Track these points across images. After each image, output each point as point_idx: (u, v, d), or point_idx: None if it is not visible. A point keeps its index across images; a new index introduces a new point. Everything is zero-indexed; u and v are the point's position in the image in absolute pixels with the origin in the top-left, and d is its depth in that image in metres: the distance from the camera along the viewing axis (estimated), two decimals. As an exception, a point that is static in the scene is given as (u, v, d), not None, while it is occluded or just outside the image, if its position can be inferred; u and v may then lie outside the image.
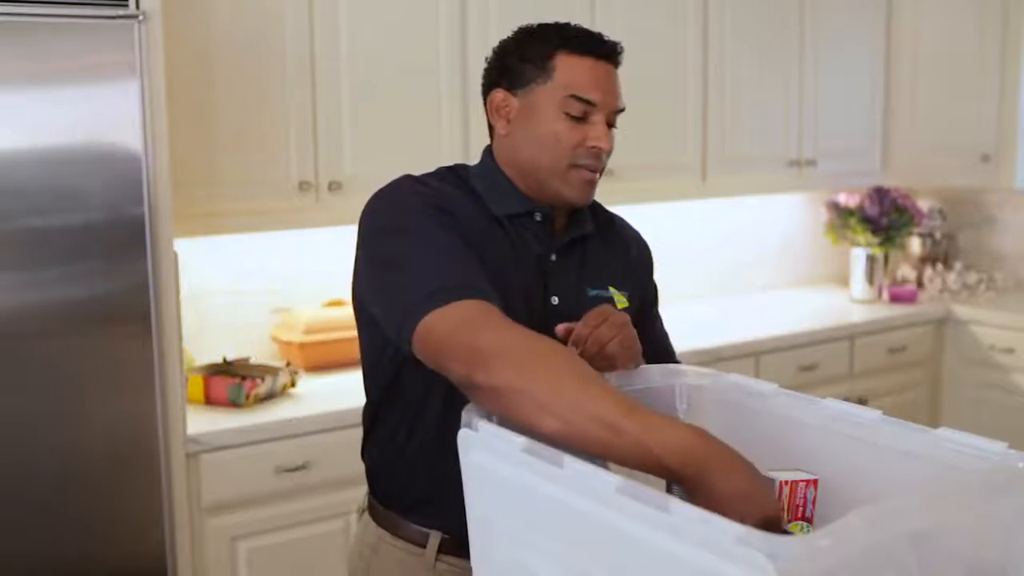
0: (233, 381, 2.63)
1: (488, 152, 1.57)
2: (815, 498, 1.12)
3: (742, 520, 0.87)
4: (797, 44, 3.74)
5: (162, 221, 2.29)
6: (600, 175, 1.50)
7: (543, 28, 1.54)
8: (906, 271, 4.26)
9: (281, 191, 2.71)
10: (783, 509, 1.11)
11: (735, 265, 4.12)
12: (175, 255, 2.34)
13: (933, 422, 3.74)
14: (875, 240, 3.95)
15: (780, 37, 3.70)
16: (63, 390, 2.22)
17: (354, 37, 2.78)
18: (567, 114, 1.46)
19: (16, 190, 2.13)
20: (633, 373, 1.34)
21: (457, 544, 1.45)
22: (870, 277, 3.98)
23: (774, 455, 1.16)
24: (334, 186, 2.76)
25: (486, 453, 1.09)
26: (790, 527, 1.12)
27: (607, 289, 1.54)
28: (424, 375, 1.34)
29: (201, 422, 2.49)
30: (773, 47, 3.69)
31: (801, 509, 1.12)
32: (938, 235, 4.32)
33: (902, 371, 3.82)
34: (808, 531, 1.12)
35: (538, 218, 1.51)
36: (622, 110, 1.51)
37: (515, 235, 1.50)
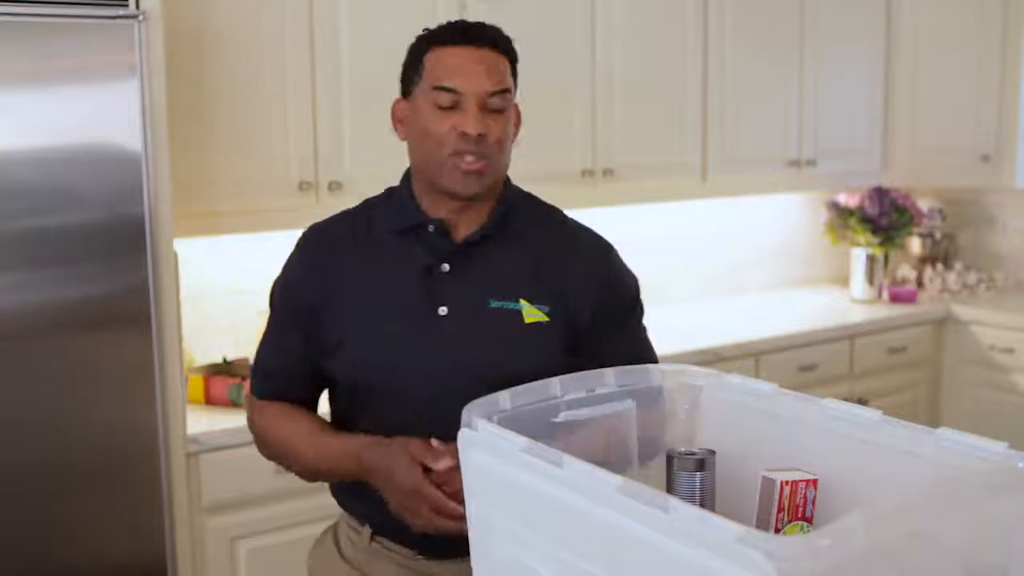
0: (233, 381, 2.63)
1: (407, 170, 1.60)
2: (815, 498, 1.12)
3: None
4: (797, 44, 3.74)
5: (162, 221, 2.29)
6: (489, 164, 1.47)
7: (424, 31, 1.56)
8: (906, 271, 4.26)
9: (281, 191, 2.71)
10: (783, 509, 1.11)
11: (735, 265, 4.12)
12: (175, 255, 2.34)
13: (933, 422, 3.74)
14: (875, 240, 3.95)
15: (780, 37, 3.70)
16: (63, 390, 2.22)
17: (354, 37, 2.78)
18: (437, 106, 1.46)
19: (16, 190, 2.13)
20: (633, 373, 1.34)
21: (389, 530, 1.55)
22: (870, 277, 3.98)
23: (774, 455, 1.16)
24: (334, 186, 2.76)
25: (486, 453, 1.09)
26: (790, 527, 1.12)
27: (516, 301, 1.50)
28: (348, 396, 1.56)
29: (201, 422, 2.49)
30: (773, 47, 3.69)
31: (801, 509, 1.12)
32: (938, 235, 4.32)
33: (902, 371, 3.82)
34: (808, 531, 1.12)
35: (431, 228, 1.52)
36: (503, 91, 1.48)
37: (404, 248, 1.52)
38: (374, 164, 2.76)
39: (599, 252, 1.64)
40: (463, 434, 1.13)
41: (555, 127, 3.16)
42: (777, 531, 1.11)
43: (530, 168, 3.14)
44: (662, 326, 3.54)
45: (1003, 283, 4.18)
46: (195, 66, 2.57)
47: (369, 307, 1.51)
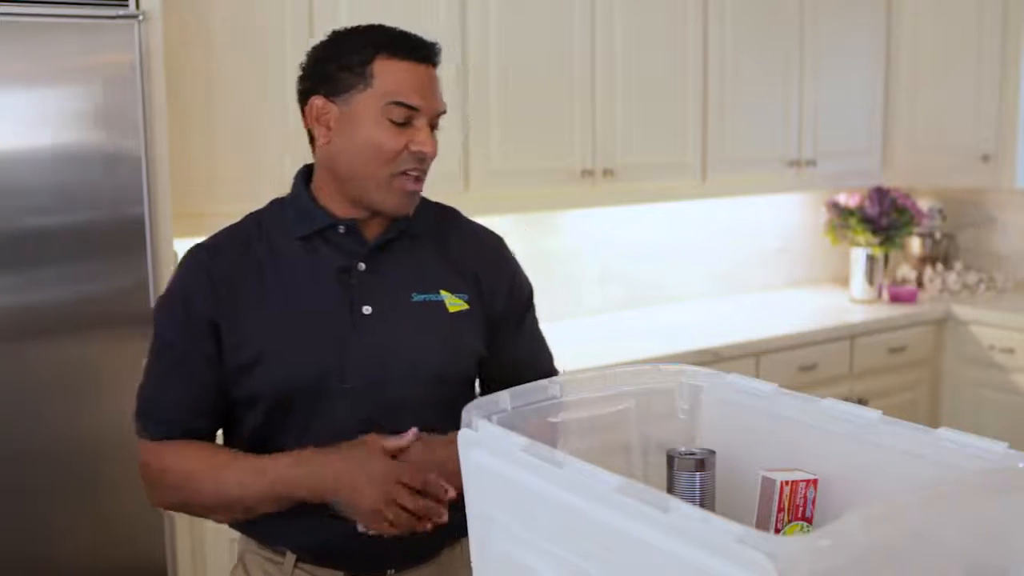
0: (233, 381, 2.63)
1: (299, 174, 1.57)
2: (815, 498, 1.12)
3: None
4: (797, 44, 3.74)
5: (162, 221, 2.29)
6: (422, 183, 1.48)
7: (359, 32, 1.51)
8: (906, 271, 4.26)
9: (281, 191, 2.70)
10: (783, 509, 1.11)
11: (735, 265, 4.12)
12: (175, 255, 2.34)
13: (933, 422, 3.74)
14: (875, 240, 3.95)
15: (780, 37, 3.70)
16: (63, 390, 2.22)
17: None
18: (390, 121, 1.43)
19: (16, 190, 2.13)
20: (634, 373, 1.34)
21: (316, 553, 1.49)
22: (870, 277, 3.98)
23: (774, 455, 1.16)
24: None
25: (486, 453, 1.09)
26: (790, 527, 1.12)
27: (437, 293, 1.51)
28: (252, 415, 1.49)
29: (201, 422, 2.48)
30: (773, 47, 3.69)
31: (801, 509, 1.12)
32: (938, 235, 4.32)
33: (902, 371, 3.82)
34: (808, 531, 1.12)
35: (341, 230, 1.49)
36: (443, 112, 1.49)
37: (317, 252, 1.49)
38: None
39: (499, 247, 1.64)
40: (463, 434, 1.13)
41: (555, 127, 3.16)
42: (777, 531, 1.11)
43: (530, 168, 3.16)
44: (662, 326, 3.57)
45: (1003, 283, 4.18)
46: (195, 65, 2.57)
47: (284, 316, 1.46)
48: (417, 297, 1.50)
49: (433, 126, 1.48)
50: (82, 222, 2.20)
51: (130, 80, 2.22)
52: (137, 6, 2.23)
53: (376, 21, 3.12)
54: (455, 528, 1.51)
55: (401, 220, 1.52)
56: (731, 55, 3.55)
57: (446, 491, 1.38)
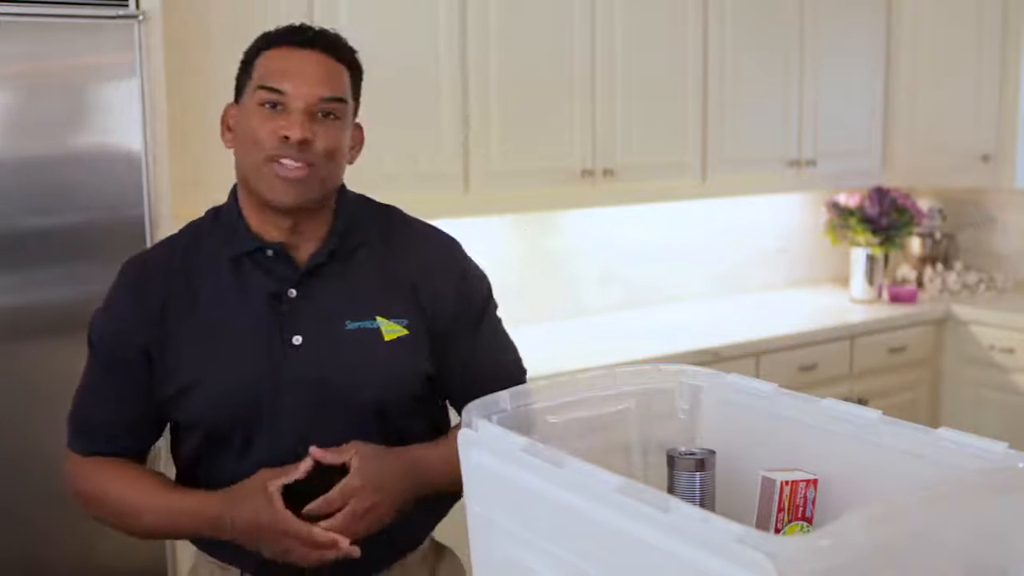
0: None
1: (234, 185, 1.51)
2: (815, 498, 1.12)
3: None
4: (797, 44, 3.74)
5: (162, 221, 2.29)
6: (312, 173, 1.38)
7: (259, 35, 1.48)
8: (906, 271, 4.26)
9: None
10: (783, 509, 1.11)
11: (735, 265, 4.12)
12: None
13: (933, 422, 3.74)
14: (875, 240, 3.95)
15: (780, 37, 3.70)
16: (63, 390, 2.21)
17: (353, 37, 2.78)
18: (260, 106, 1.39)
19: (16, 190, 2.13)
20: (634, 373, 1.34)
21: (262, 568, 1.45)
22: (870, 277, 3.98)
23: (774, 455, 1.16)
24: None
25: (486, 453, 1.09)
26: (790, 527, 1.12)
27: (373, 320, 1.42)
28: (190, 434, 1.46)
29: (201, 422, 2.48)
30: (773, 47, 3.69)
31: (801, 509, 1.12)
32: (938, 235, 4.32)
33: (902, 371, 3.82)
34: (808, 531, 1.12)
35: (270, 253, 1.43)
36: (336, 100, 1.40)
37: (247, 275, 1.43)
38: (373, 163, 2.75)
39: (446, 248, 1.54)
40: (463, 434, 1.13)
41: (555, 127, 3.16)
42: (777, 531, 1.11)
43: (530, 168, 3.16)
44: (662, 326, 3.57)
45: (1003, 283, 4.18)
46: (195, 65, 2.57)
47: (215, 343, 1.41)
48: (351, 325, 1.42)
49: (330, 114, 1.39)
50: (82, 222, 2.20)
51: (130, 80, 2.22)
52: (137, 6, 2.23)
53: (375, 21, 3.13)
54: (407, 538, 1.51)
55: (332, 239, 1.45)
56: (731, 55, 3.54)
57: (337, 544, 1.33)
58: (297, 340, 1.41)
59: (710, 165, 3.54)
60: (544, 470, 0.99)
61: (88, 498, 1.48)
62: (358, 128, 1.50)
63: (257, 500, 1.35)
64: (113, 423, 1.47)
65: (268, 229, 1.44)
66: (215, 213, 1.51)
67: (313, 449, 1.37)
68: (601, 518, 0.93)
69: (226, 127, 1.48)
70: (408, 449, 1.45)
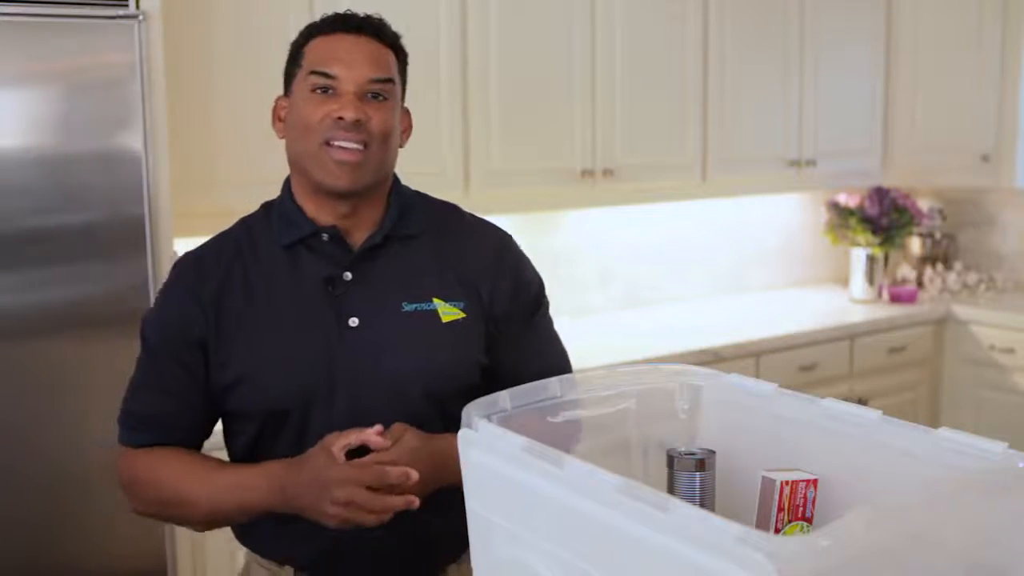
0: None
1: (287, 178, 1.53)
2: (815, 498, 1.12)
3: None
4: (797, 44, 3.74)
5: (162, 221, 2.29)
6: (368, 155, 1.40)
7: (306, 26, 1.50)
8: (906, 271, 4.27)
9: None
10: (783, 509, 1.11)
11: (735, 265, 4.12)
12: (175, 255, 2.34)
13: (933, 422, 3.74)
14: (875, 240, 3.95)
15: (780, 37, 3.70)
16: (63, 390, 2.22)
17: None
18: (312, 92, 1.41)
19: (16, 190, 2.13)
20: (634, 373, 1.34)
21: (315, 565, 1.45)
22: (870, 277, 3.98)
23: (774, 455, 1.16)
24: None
25: (486, 453, 1.09)
26: (790, 527, 1.12)
27: (430, 302, 1.44)
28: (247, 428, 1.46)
29: (201, 422, 2.48)
30: (773, 47, 3.69)
31: (801, 509, 1.12)
32: (938, 235, 4.32)
33: (902, 371, 3.82)
34: (808, 531, 1.12)
35: (325, 237, 1.44)
36: (386, 80, 1.42)
37: (302, 261, 1.44)
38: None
39: (503, 243, 1.56)
40: (463, 434, 1.13)
41: (555, 127, 3.16)
42: (777, 531, 1.10)
43: (530, 168, 3.16)
44: (662, 326, 3.57)
45: (1003, 283, 4.18)
46: (195, 65, 2.57)
47: (271, 330, 1.42)
48: (408, 307, 1.43)
49: (373, 96, 1.41)
50: (82, 222, 2.20)
51: (130, 80, 2.22)
52: (137, 6, 2.23)
53: (376, 21, 3.11)
54: (456, 543, 1.47)
55: (387, 222, 1.46)
56: (731, 55, 3.55)
57: (408, 475, 1.31)
58: (354, 322, 1.42)
59: (710, 165, 3.54)
60: (544, 470, 0.99)
61: (144, 484, 1.46)
62: (407, 112, 1.52)
63: (320, 459, 1.34)
64: (169, 415, 1.47)
65: (323, 215, 1.45)
66: (267, 207, 1.54)
67: (379, 428, 1.36)
68: (601, 518, 0.92)
69: (277, 118, 1.50)
70: (432, 438, 1.42)
